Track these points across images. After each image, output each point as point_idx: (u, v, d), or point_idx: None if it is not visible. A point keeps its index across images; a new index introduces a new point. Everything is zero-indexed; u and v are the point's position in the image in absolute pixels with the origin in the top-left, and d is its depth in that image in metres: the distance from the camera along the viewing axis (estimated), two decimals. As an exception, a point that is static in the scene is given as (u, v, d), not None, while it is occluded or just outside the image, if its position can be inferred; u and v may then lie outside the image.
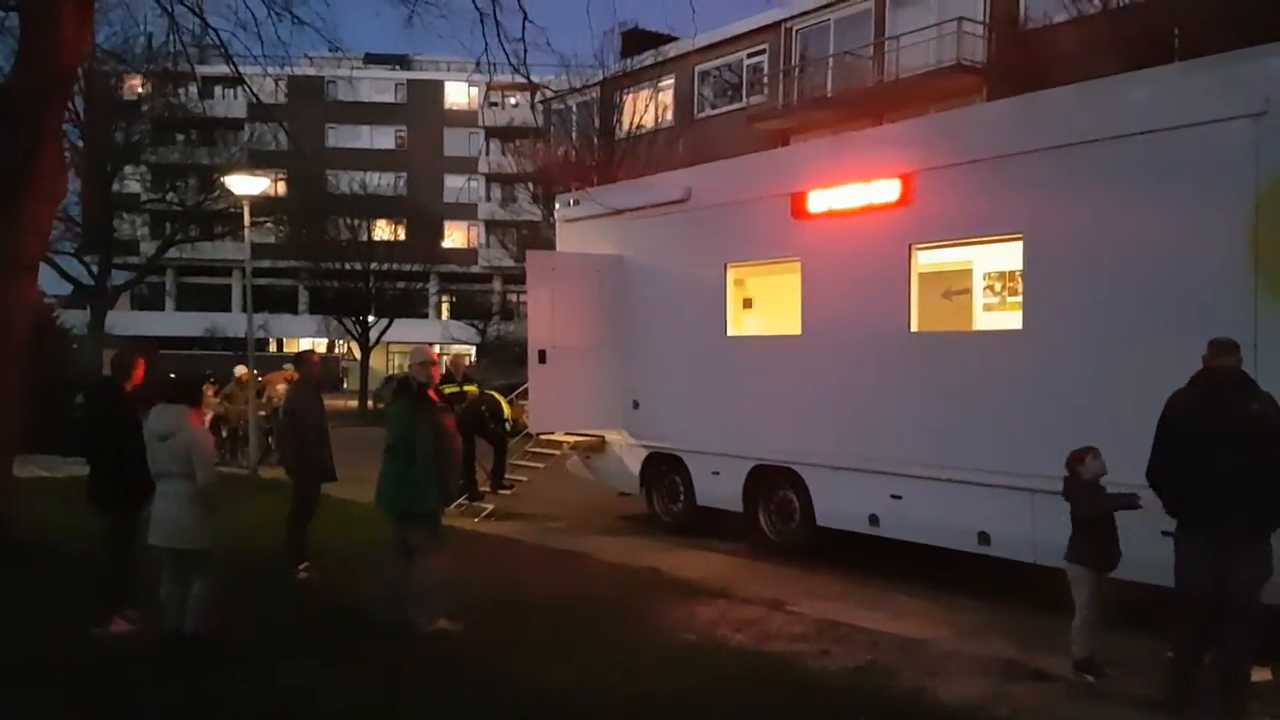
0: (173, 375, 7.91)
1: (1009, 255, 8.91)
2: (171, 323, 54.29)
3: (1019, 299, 8.61)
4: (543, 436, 12.87)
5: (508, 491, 12.96)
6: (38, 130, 9.56)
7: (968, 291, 10.23)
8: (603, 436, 12.40)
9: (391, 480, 7.40)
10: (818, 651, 6.93)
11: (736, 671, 6.40)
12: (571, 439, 12.61)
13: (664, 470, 11.82)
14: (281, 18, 11.31)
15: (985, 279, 10.21)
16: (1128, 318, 7.46)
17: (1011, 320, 8.94)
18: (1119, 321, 7.52)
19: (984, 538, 8.36)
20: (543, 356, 11.90)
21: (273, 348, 52.43)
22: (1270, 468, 5.55)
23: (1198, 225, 7.09)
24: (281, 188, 40.31)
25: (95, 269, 33.58)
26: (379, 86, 62.13)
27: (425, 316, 53.26)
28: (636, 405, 11.90)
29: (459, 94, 62.45)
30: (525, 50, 9.82)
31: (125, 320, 40.80)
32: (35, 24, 9.67)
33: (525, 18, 9.63)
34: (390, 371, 49.49)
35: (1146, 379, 6.09)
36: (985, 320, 9.99)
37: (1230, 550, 5.65)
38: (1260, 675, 6.20)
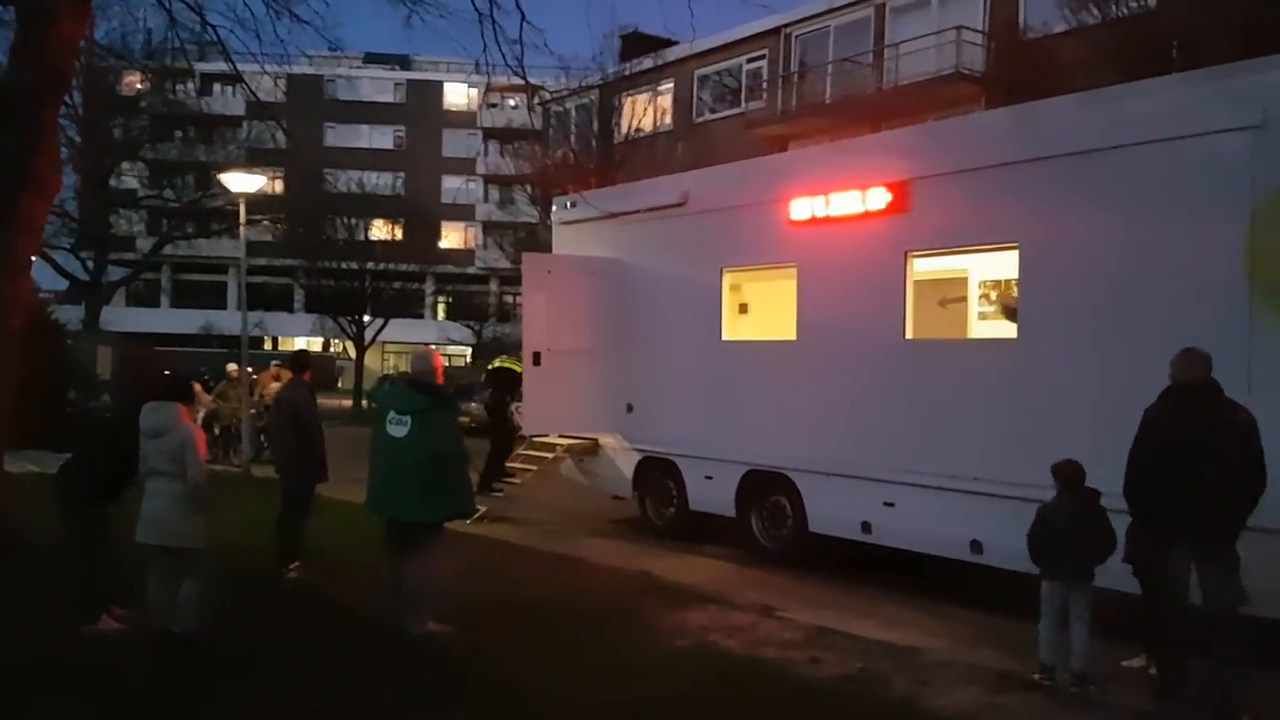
0: (167, 372, 7.81)
1: (1004, 264, 8.92)
2: (167, 319, 54.12)
3: (1014, 308, 8.61)
4: (536, 439, 12.86)
5: (498, 495, 12.95)
6: (33, 126, 9.52)
7: (963, 299, 10.24)
8: (596, 440, 12.39)
9: (420, 489, 7.09)
10: (808, 659, 6.91)
11: (727, 678, 6.38)
12: (565, 442, 12.60)
13: (657, 474, 11.80)
14: (280, 16, 11.27)
15: (980, 287, 10.23)
16: (1122, 328, 7.46)
17: (1006, 329, 8.95)
18: (1113, 331, 7.53)
19: (976, 546, 8.35)
20: (537, 359, 11.90)
21: (268, 346, 52.37)
22: (1243, 476, 5.63)
23: (1193, 237, 7.09)
24: (279, 186, 40.32)
25: (91, 265, 33.61)
26: (378, 86, 62.10)
27: (421, 317, 53.27)
28: (631, 409, 11.89)
29: (458, 95, 62.46)
30: (522, 52, 9.79)
31: (120, 316, 40.79)
32: (31, 19, 9.64)
33: (523, 18, 9.62)
34: (385, 371, 49.48)
35: (1140, 389, 6.10)
36: (980, 328, 10.01)
37: (1212, 560, 5.69)
38: (1133, 662, 6.53)
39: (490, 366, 14.68)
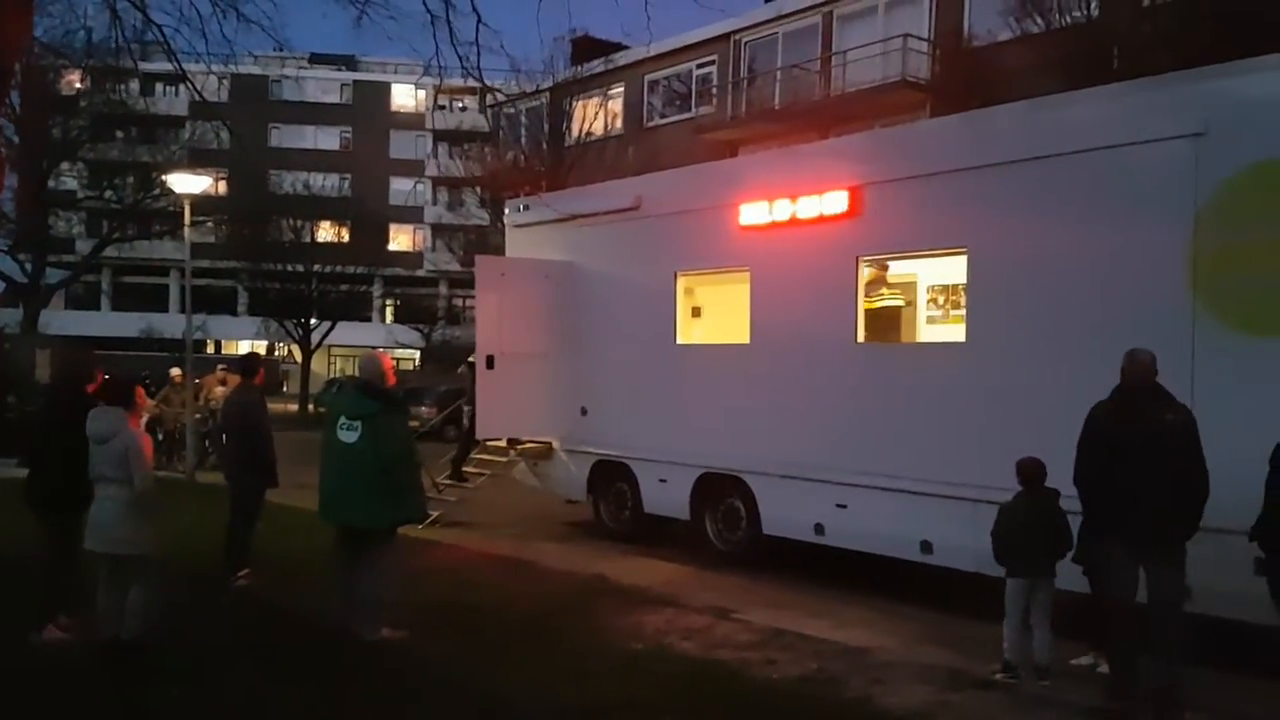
0: (108, 377, 7.65)
1: (953, 269, 9.06)
2: (107, 323, 53.00)
3: (962, 312, 8.76)
4: (489, 443, 12.81)
5: (468, 486, 12.90)
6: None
7: (911, 304, 10.37)
8: (550, 443, 12.36)
9: (371, 494, 7.02)
10: (764, 660, 6.96)
11: (684, 680, 6.41)
12: (519, 445, 12.55)
13: (611, 478, 11.80)
14: (227, 15, 11.05)
15: (929, 292, 10.38)
16: (1068, 332, 7.61)
17: (955, 333, 9.09)
18: (1060, 335, 7.67)
19: (926, 546, 8.47)
20: (491, 362, 11.84)
21: (210, 349, 51.52)
22: (1186, 477, 5.75)
23: (1137, 242, 7.25)
24: (223, 187, 39.69)
25: (29, 267, 32.87)
26: (324, 87, 61.37)
27: (369, 320, 52.73)
28: (585, 412, 11.88)
29: (405, 96, 62.02)
30: (479, 53, 9.69)
31: (60, 320, 39.88)
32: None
33: (479, 20, 9.52)
34: (332, 375, 48.94)
35: (1085, 392, 6.23)
36: (929, 332, 10.15)
37: (1155, 559, 5.81)
38: (1082, 660, 6.68)
39: (470, 359, 14.63)
